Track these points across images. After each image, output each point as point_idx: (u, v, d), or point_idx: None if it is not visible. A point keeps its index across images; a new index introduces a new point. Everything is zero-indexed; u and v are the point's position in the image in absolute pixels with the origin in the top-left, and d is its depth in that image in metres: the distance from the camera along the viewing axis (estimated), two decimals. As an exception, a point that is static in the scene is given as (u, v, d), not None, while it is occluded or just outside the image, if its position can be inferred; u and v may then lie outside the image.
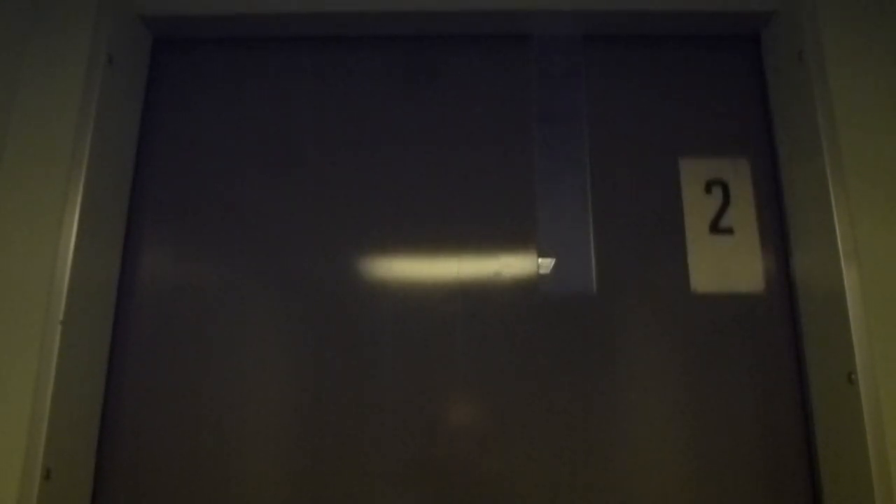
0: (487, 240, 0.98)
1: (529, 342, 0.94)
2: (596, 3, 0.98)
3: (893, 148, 0.86)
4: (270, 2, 0.98)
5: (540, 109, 1.03)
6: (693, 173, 0.99)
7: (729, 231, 0.96)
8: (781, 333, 0.94)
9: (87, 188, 0.87)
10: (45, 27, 0.91)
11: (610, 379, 0.93)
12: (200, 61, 1.06)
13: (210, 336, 0.95)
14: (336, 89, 1.04)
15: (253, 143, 1.02)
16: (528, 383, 0.93)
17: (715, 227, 0.96)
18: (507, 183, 1.00)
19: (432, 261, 0.98)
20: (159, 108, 1.04)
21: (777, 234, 0.97)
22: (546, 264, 0.95)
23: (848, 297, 0.82)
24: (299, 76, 1.05)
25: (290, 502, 0.90)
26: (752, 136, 1.01)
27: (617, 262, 0.97)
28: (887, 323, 0.80)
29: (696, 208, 0.97)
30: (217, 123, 1.03)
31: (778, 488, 0.89)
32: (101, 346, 0.92)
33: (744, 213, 0.97)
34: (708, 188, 0.98)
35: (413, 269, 0.98)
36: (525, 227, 0.98)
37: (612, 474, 0.90)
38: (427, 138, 1.02)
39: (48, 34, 0.91)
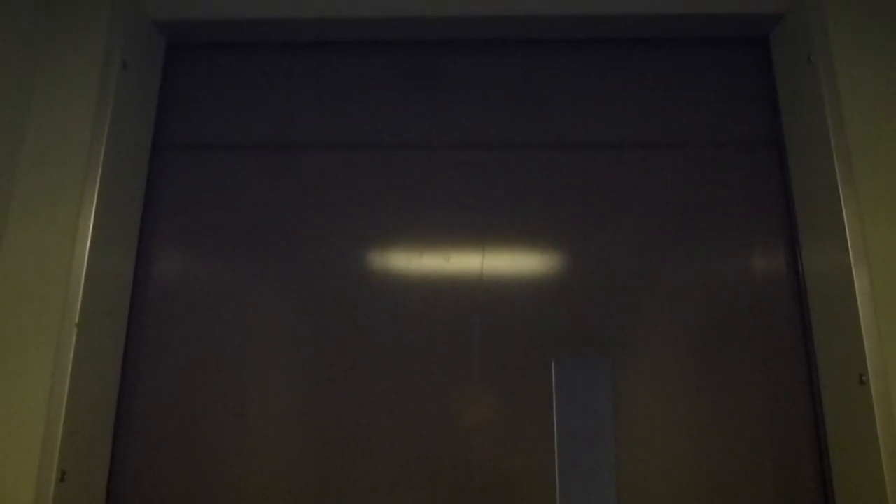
0: (497, 238, 0.99)
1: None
2: (601, 7, 0.98)
3: (903, 149, 0.86)
4: (283, 7, 0.99)
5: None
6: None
7: None
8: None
9: (102, 192, 0.88)
10: (59, 33, 0.92)
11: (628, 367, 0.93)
12: (213, 66, 1.07)
13: (223, 338, 0.95)
14: (350, 92, 1.05)
15: (265, 144, 1.03)
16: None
17: None
18: (509, 184, 1.01)
19: (433, 260, 0.98)
20: (173, 111, 1.05)
21: None
22: None
23: (858, 297, 0.82)
24: (312, 80, 1.06)
25: (304, 500, 0.90)
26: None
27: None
28: (898, 323, 0.80)
29: None
30: (230, 126, 1.04)
31: (790, 491, 0.89)
32: (115, 348, 0.93)
33: None
34: None
35: (412, 267, 0.98)
36: (529, 223, 0.99)
37: (625, 470, 0.90)
38: (429, 139, 1.03)
39: (63, 40, 0.92)
